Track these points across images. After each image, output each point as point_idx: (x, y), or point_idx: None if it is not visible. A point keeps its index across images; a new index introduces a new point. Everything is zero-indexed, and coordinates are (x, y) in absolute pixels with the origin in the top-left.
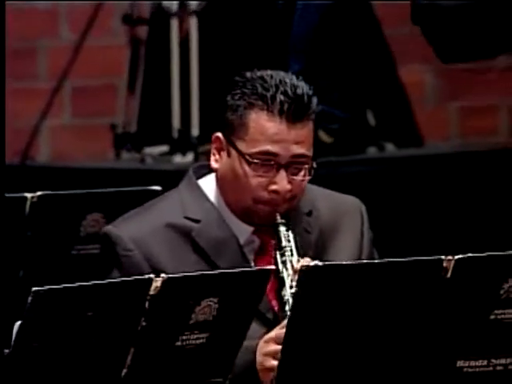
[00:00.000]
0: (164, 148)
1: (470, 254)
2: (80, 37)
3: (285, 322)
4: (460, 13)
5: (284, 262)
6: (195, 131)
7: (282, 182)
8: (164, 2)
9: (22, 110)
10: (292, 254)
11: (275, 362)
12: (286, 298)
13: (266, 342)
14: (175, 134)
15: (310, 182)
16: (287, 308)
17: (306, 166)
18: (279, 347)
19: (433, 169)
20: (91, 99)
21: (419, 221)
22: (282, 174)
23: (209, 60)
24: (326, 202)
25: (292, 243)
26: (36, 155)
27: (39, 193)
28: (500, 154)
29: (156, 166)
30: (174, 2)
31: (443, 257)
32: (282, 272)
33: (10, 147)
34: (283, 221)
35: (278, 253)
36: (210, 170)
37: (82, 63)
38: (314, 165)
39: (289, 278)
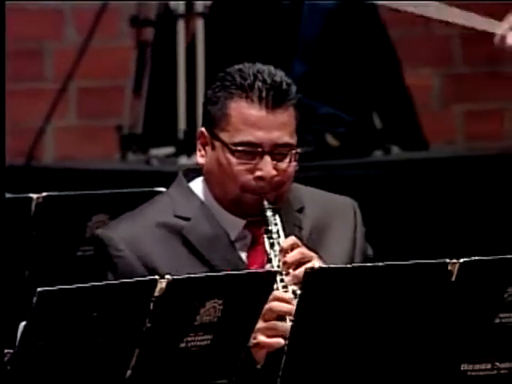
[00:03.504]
0: (170, 149)
1: (474, 258)
2: (86, 38)
3: (271, 298)
4: None
5: (272, 244)
6: None
7: (266, 168)
8: (171, 4)
9: (28, 111)
10: (279, 236)
11: (263, 338)
12: None
13: None
14: (181, 136)
15: (316, 184)
16: (275, 287)
17: (293, 152)
18: (268, 324)
19: (438, 172)
20: (97, 100)
21: (424, 224)
22: (266, 159)
23: (215, 62)
24: (317, 200)
25: (279, 226)
26: (41, 156)
27: (45, 193)
28: (505, 158)
29: (161, 168)
30: (181, 3)
31: (448, 260)
32: (270, 253)
33: (15, 148)
34: (270, 206)
35: (265, 236)
36: (200, 174)
37: (88, 65)
38: (299, 150)
39: (276, 258)
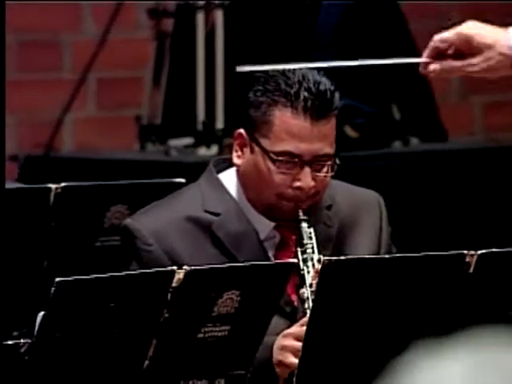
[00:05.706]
0: (188, 140)
1: (492, 250)
2: (105, 29)
3: (304, 319)
4: None
5: (305, 260)
6: (220, 124)
7: (306, 179)
8: None
9: (47, 102)
10: (313, 252)
11: (293, 358)
12: (305, 295)
13: (285, 336)
14: (200, 127)
15: (335, 175)
16: (306, 306)
17: (329, 163)
18: (298, 343)
19: (457, 164)
20: (116, 91)
21: (443, 215)
22: (306, 170)
23: (234, 53)
24: (346, 196)
25: (313, 240)
26: (60, 147)
27: (63, 184)
28: None
29: (180, 158)
30: None
31: (466, 252)
32: (303, 269)
33: (34, 139)
34: (305, 217)
35: (299, 250)
36: (231, 164)
37: (107, 56)
38: (337, 161)
39: (309, 275)
